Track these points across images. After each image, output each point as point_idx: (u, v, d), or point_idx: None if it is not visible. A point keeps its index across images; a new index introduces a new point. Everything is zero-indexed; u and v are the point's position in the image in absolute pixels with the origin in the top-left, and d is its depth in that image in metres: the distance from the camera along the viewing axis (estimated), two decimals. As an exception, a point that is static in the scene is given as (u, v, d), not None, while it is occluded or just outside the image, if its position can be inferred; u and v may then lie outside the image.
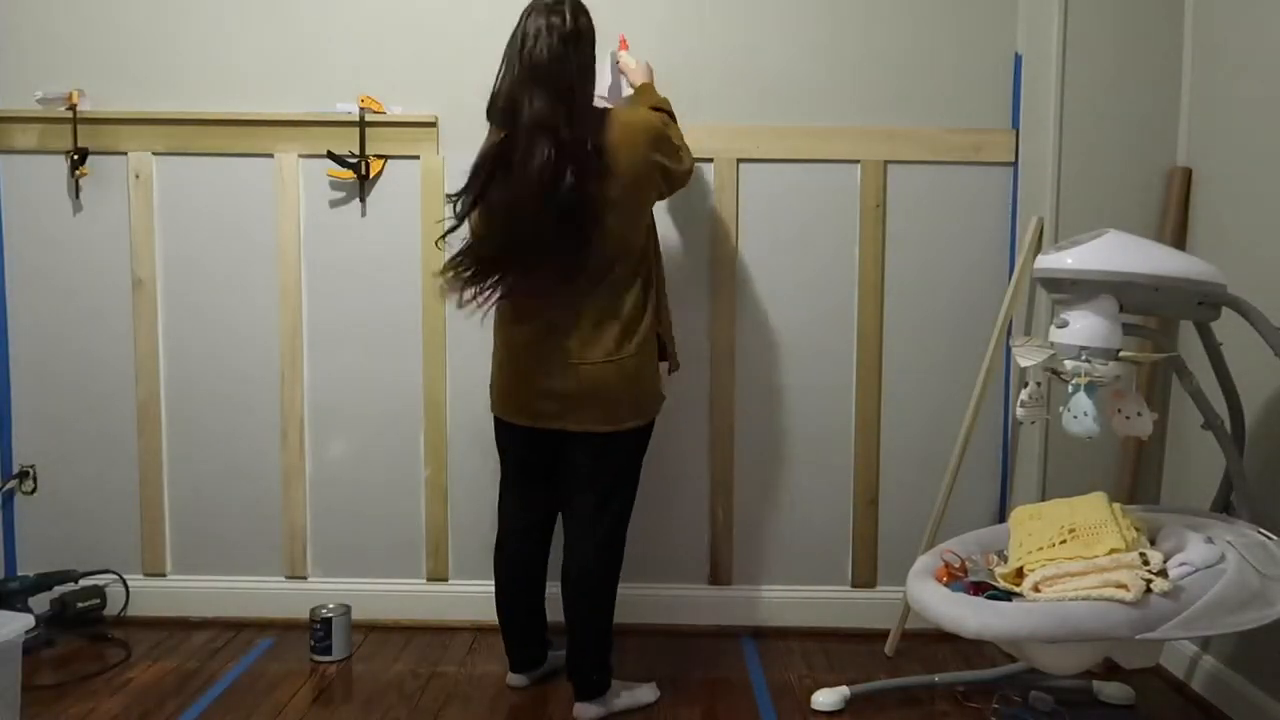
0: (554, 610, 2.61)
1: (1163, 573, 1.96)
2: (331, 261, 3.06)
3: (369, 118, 2.98)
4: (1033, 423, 2.61)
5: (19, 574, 3.07)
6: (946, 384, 3.03)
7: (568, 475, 2.52)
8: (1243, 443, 2.30)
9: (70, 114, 2.99)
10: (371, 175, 3.02)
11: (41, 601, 3.01)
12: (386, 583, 3.12)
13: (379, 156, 3.01)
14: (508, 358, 2.52)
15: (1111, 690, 2.57)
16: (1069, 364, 2.09)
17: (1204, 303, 2.16)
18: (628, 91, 2.79)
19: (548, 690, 2.70)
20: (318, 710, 2.58)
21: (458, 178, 3.03)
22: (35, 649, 2.85)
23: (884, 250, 3.02)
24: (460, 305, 2.45)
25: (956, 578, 2.16)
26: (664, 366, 2.62)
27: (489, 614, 3.06)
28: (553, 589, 2.60)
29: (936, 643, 2.93)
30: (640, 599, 3.09)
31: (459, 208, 2.43)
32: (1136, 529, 2.11)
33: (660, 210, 3.03)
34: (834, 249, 3.03)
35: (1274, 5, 2.40)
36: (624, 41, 2.83)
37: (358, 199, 3.04)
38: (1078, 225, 2.62)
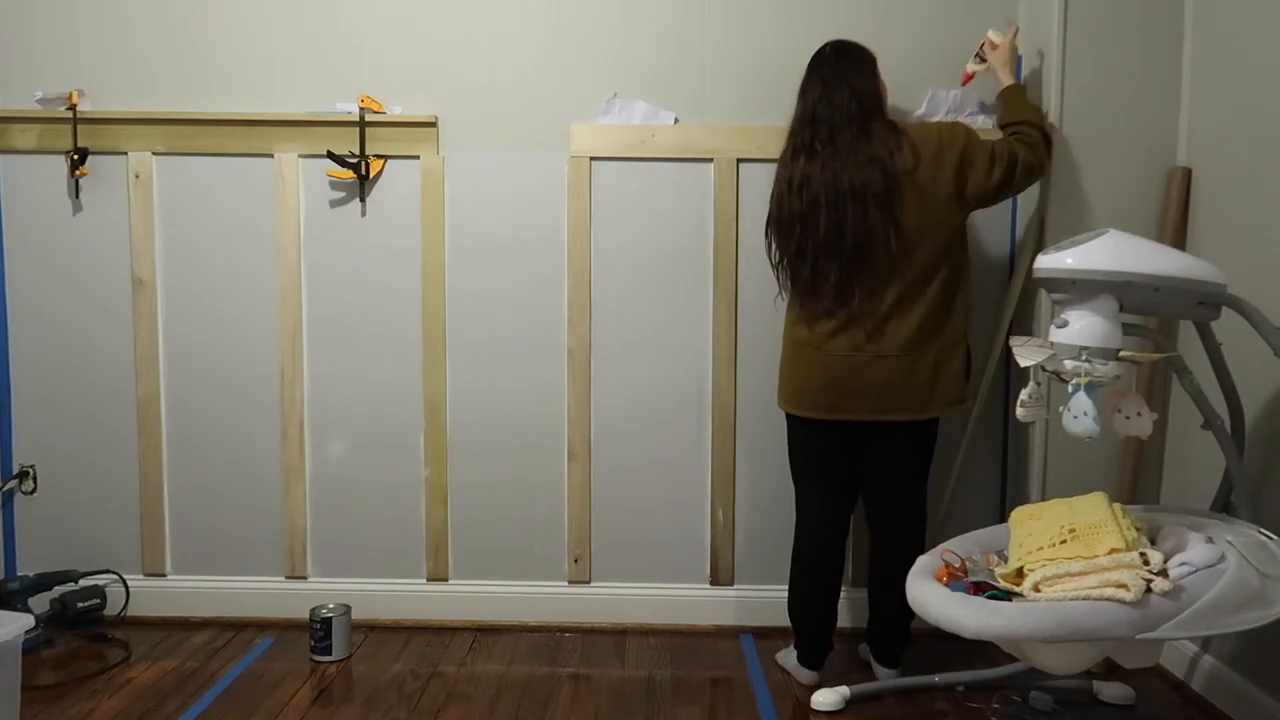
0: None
1: (1163, 573, 1.96)
2: (331, 261, 3.06)
3: (369, 118, 2.98)
4: (1033, 423, 2.61)
5: (19, 574, 3.07)
6: (946, 384, 3.03)
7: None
8: (1243, 443, 2.30)
9: (70, 114, 2.99)
10: (371, 175, 3.02)
11: (41, 601, 3.01)
12: (386, 583, 3.12)
13: (379, 156, 3.01)
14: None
15: (1111, 690, 2.57)
16: (1069, 364, 2.09)
17: (1204, 303, 2.15)
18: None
19: (549, 689, 2.70)
20: (318, 710, 2.58)
21: (457, 177, 3.04)
22: (35, 649, 2.86)
23: (884, 250, 3.02)
24: None
25: (956, 578, 2.16)
26: None
27: (489, 614, 3.08)
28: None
29: (936, 643, 2.92)
30: (640, 599, 3.09)
31: None
32: (1137, 529, 2.11)
33: (661, 209, 3.03)
34: (834, 249, 3.03)
35: (1274, 5, 2.40)
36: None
37: (358, 199, 3.04)
38: (1078, 225, 2.62)
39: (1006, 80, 2.76)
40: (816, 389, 2.61)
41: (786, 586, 3.10)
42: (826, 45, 2.66)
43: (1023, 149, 2.60)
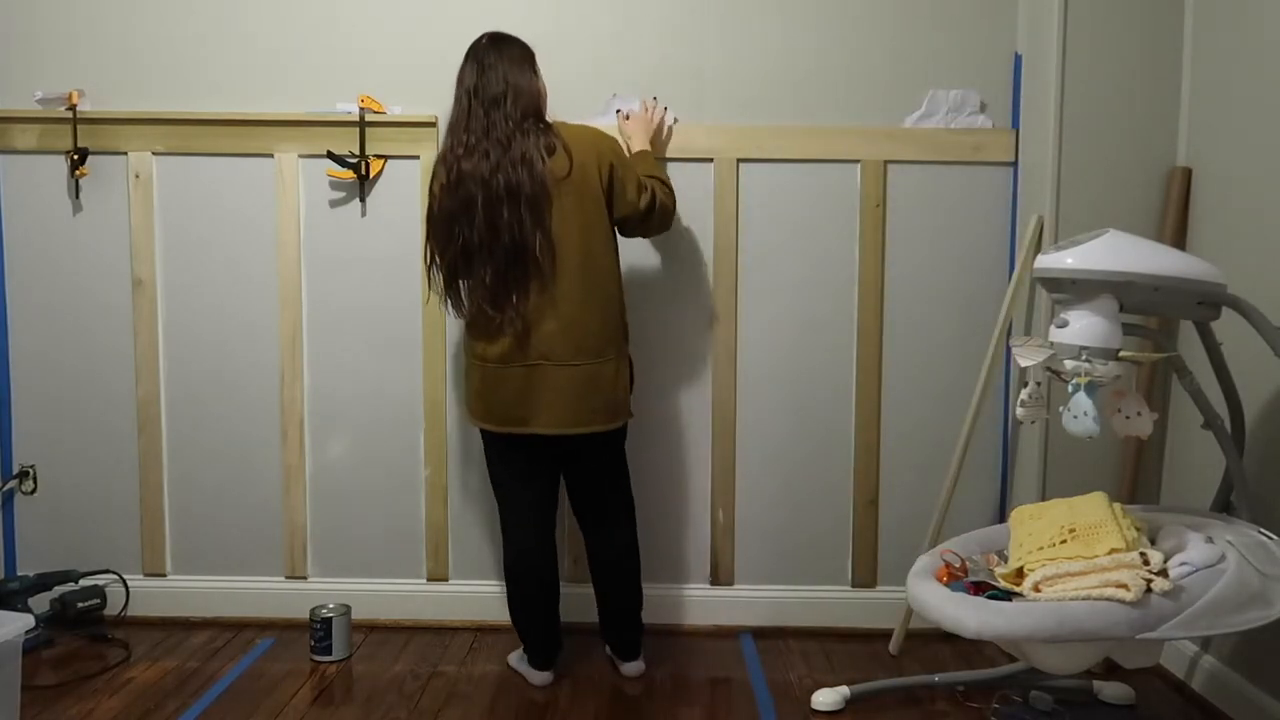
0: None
1: (1163, 572, 1.96)
2: (332, 261, 3.06)
3: (369, 118, 2.98)
4: (1033, 423, 2.61)
5: (19, 574, 3.08)
6: (946, 384, 3.03)
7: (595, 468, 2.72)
8: (1243, 443, 2.30)
9: (70, 114, 2.99)
10: (371, 175, 3.02)
11: (41, 601, 3.01)
12: (386, 583, 3.12)
13: (379, 156, 3.01)
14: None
15: (1111, 690, 2.57)
16: (1069, 364, 2.09)
17: (1204, 303, 2.15)
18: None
19: (548, 689, 2.70)
20: (318, 710, 2.58)
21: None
22: (35, 649, 2.86)
23: (884, 250, 3.02)
24: None
25: (956, 578, 2.16)
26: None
27: (489, 614, 3.08)
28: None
29: (937, 643, 2.93)
30: (640, 599, 3.10)
31: None
32: (1137, 529, 2.11)
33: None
34: (834, 249, 3.03)
35: (1274, 5, 2.40)
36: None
37: (358, 199, 3.04)
38: (1078, 225, 2.62)
39: (637, 146, 2.80)
40: (501, 403, 2.58)
41: (786, 586, 3.12)
42: (483, 35, 2.61)
43: (660, 190, 2.67)
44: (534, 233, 2.47)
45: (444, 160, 2.56)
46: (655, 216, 2.68)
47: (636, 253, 3.03)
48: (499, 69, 2.54)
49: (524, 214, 2.47)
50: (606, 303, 2.59)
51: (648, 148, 2.82)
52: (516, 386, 2.55)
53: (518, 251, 2.48)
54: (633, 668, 2.77)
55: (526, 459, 2.65)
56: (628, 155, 2.74)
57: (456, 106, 2.57)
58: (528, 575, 2.69)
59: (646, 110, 2.91)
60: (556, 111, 3.01)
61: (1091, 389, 2.07)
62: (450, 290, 2.59)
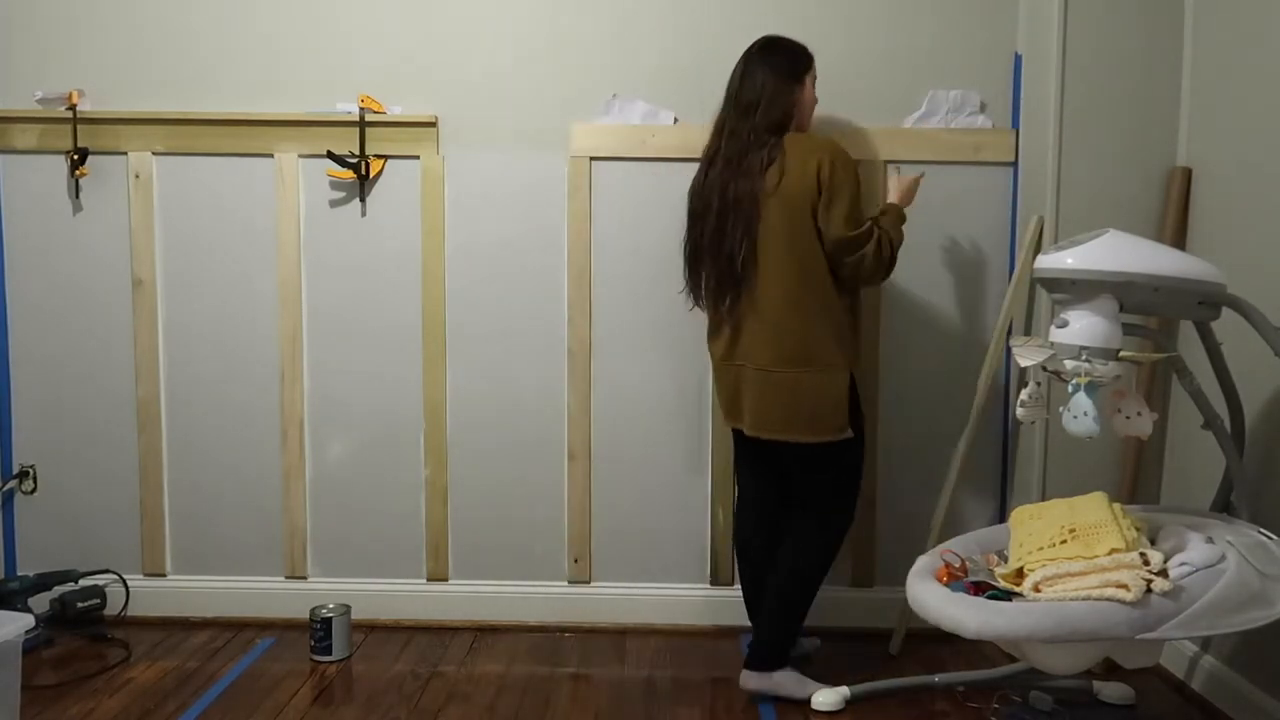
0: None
1: (1163, 573, 1.96)
2: (331, 261, 3.06)
3: (369, 118, 2.98)
4: (1033, 423, 2.61)
5: (19, 574, 3.07)
6: (946, 384, 3.03)
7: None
8: (1243, 443, 2.30)
9: (70, 114, 2.99)
10: (371, 175, 3.02)
11: (41, 601, 3.01)
12: (386, 583, 3.12)
13: (379, 156, 3.01)
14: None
15: (1111, 690, 2.57)
16: (1069, 364, 2.09)
17: (1204, 303, 2.16)
18: None
19: (549, 689, 2.71)
20: (318, 710, 2.58)
21: (457, 177, 3.05)
22: (35, 649, 2.85)
23: (884, 250, 3.02)
24: None
25: (956, 578, 2.16)
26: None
27: (489, 614, 3.08)
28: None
29: (936, 643, 2.93)
30: (640, 599, 3.10)
31: None
32: (1137, 529, 2.11)
33: (661, 209, 3.01)
34: (834, 249, 3.03)
35: (1274, 6, 2.40)
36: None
37: (358, 199, 3.04)
38: (1078, 225, 2.62)
39: (890, 198, 2.72)
40: (724, 397, 2.71)
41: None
42: (759, 39, 2.65)
43: (875, 241, 2.50)
44: (741, 242, 2.52)
45: (703, 159, 2.65)
46: (854, 260, 2.50)
47: (638, 252, 3.03)
48: (758, 77, 2.57)
49: (738, 223, 2.52)
50: (818, 312, 2.52)
51: (896, 202, 2.71)
52: (730, 384, 2.64)
53: (729, 258, 2.54)
54: (743, 676, 2.65)
55: (749, 453, 2.73)
56: (883, 202, 2.73)
57: (721, 108, 2.63)
58: (743, 565, 2.79)
59: (911, 178, 2.76)
60: (546, 111, 3.01)
61: (1091, 389, 2.07)
62: (692, 284, 2.69)
